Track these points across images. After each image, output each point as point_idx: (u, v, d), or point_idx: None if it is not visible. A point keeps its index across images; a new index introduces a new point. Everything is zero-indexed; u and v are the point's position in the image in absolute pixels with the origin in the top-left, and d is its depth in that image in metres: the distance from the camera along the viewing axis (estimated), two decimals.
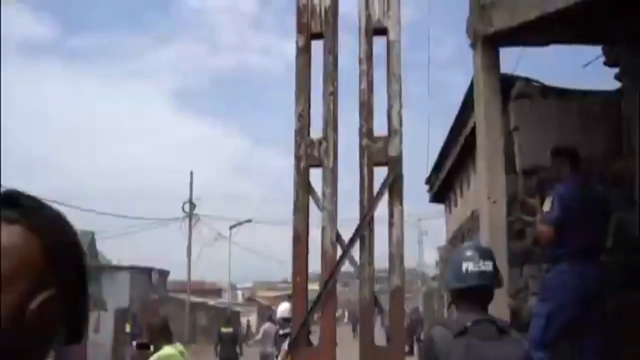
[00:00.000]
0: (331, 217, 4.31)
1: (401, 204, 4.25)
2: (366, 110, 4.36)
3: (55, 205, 0.76)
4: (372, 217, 4.29)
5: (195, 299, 29.95)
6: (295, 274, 4.30)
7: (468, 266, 2.10)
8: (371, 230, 4.25)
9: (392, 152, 4.30)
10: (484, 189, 4.00)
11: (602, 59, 4.60)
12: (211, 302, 32.41)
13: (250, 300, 41.43)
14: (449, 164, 7.17)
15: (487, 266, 2.10)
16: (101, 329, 17.34)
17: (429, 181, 8.75)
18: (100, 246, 30.82)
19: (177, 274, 30.27)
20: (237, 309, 34.74)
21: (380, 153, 4.31)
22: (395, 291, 4.16)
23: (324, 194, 4.33)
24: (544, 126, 4.49)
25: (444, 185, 8.04)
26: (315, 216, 4.42)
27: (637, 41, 4.14)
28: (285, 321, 7.56)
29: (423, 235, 39.97)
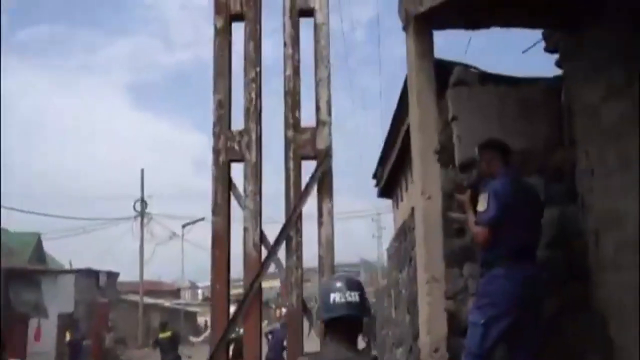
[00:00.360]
0: (254, 216, 3.92)
1: (331, 200, 3.90)
2: (291, 98, 3.99)
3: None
4: (300, 216, 3.93)
5: (149, 300, 29.04)
6: (213, 280, 3.90)
7: (335, 297, 2.19)
8: (298, 230, 3.89)
9: (321, 145, 3.95)
10: (418, 183, 3.69)
11: (543, 44, 4.35)
12: (166, 303, 31.52)
13: (208, 299, 40.50)
14: (392, 157, 6.86)
15: (354, 297, 2.18)
16: (43, 337, 16.44)
17: (375, 175, 8.45)
18: (49, 249, 29.55)
19: (132, 275, 29.27)
20: (194, 309, 33.90)
21: (307, 145, 3.95)
22: None
23: (245, 191, 3.94)
24: (483, 115, 4.20)
25: (390, 179, 7.75)
26: (239, 215, 4.03)
27: (576, 24, 3.89)
28: None
29: (382, 229, 40.02)
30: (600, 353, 3.67)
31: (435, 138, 3.62)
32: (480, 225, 3.39)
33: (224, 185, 3.94)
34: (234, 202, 4.02)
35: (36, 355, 16.11)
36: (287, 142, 3.94)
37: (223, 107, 4.00)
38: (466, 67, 4.42)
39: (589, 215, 3.93)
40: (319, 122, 3.96)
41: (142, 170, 26.41)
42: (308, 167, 3.98)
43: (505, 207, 3.31)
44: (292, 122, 3.96)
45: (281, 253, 3.95)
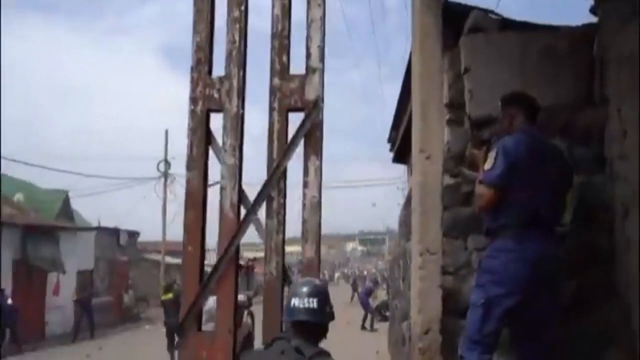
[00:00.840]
0: (233, 173, 3.50)
1: (319, 158, 3.44)
2: (278, 41, 3.50)
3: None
4: (285, 174, 3.50)
5: (171, 260, 29.37)
6: (186, 242, 3.53)
7: (295, 302, 2.36)
8: (281, 191, 3.46)
9: (310, 94, 3.47)
10: (417, 140, 3.21)
11: None
12: None
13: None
14: (405, 120, 6.34)
15: (311, 303, 2.33)
16: (62, 292, 16.68)
17: (390, 140, 7.91)
18: (77, 206, 30.09)
19: (156, 236, 29.59)
20: None
21: (294, 95, 3.48)
22: (308, 264, 3.40)
23: (224, 145, 3.52)
24: (500, 67, 3.65)
25: (403, 143, 7.24)
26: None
27: None
28: None
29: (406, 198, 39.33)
30: (625, 346, 3.17)
31: (437, 87, 3.11)
32: (483, 184, 2.88)
33: (200, 137, 3.52)
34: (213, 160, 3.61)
35: (55, 308, 16.38)
36: (272, 91, 3.47)
37: (202, 50, 3.54)
38: (485, 12, 3.84)
39: (619, 185, 3.38)
40: (309, 69, 3.46)
41: (167, 132, 26.37)
42: (295, 121, 3.52)
43: (514, 167, 2.79)
44: (279, 68, 3.48)
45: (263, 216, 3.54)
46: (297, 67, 3.57)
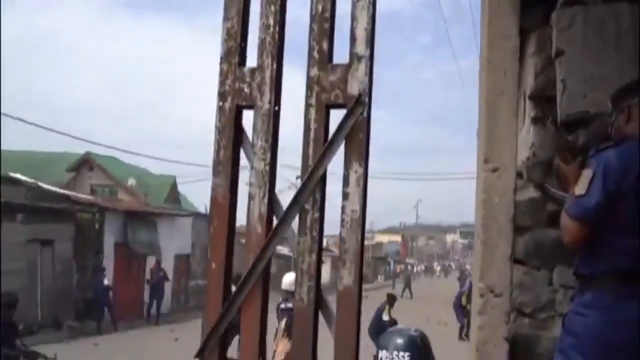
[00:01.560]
0: (263, 179, 3.01)
1: (362, 164, 2.85)
2: (318, 25, 2.94)
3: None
4: (323, 182, 2.96)
5: None
6: (210, 258, 3.11)
7: (382, 355, 2.26)
8: (316, 202, 2.92)
9: (354, 88, 2.87)
10: (481, 147, 2.51)
11: None
12: (284, 250, 32.44)
13: (325, 250, 41.32)
14: None
15: (402, 358, 2.17)
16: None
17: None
18: (184, 191, 31.71)
19: None
20: None
21: (336, 89, 2.91)
22: (345, 294, 2.83)
23: (253, 147, 3.04)
24: (604, 52, 2.81)
25: None
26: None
27: None
28: (289, 294, 6.64)
29: None
30: None
31: (511, 76, 2.39)
32: (569, 216, 2.11)
33: (228, 137, 3.07)
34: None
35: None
36: (309, 83, 2.93)
37: (233, 38, 3.08)
38: None
39: None
40: (354, 56, 2.87)
41: None
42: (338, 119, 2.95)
43: (618, 195, 2.00)
44: (318, 57, 2.92)
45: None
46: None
